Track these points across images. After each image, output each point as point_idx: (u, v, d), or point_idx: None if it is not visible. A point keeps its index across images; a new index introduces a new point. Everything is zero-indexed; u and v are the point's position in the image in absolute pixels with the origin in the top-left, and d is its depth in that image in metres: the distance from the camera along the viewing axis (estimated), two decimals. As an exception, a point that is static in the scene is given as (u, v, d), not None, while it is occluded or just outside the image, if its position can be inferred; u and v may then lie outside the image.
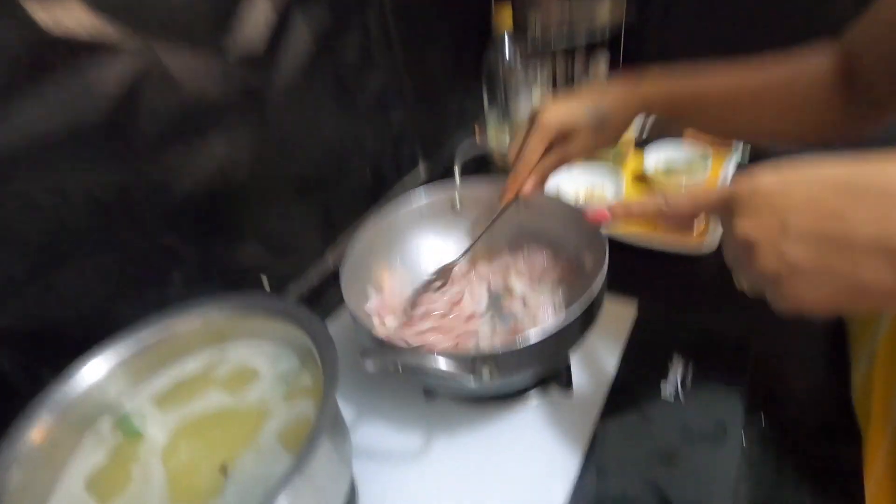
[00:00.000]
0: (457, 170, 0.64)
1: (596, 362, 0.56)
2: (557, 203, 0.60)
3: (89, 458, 0.40)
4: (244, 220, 0.64)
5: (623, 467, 0.47)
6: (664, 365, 0.55)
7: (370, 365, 0.41)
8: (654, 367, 0.55)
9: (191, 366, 0.46)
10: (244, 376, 0.45)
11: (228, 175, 0.60)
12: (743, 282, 0.33)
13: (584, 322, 0.47)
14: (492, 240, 0.63)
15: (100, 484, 0.38)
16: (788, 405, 0.52)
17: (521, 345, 0.42)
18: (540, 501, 0.45)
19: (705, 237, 0.71)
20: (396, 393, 0.56)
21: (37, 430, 0.37)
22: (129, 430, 0.41)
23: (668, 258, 0.70)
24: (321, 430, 0.33)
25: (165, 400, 0.44)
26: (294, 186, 0.71)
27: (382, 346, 0.45)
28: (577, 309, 0.44)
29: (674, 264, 0.70)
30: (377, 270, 0.61)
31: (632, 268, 0.64)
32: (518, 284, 0.61)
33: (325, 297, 0.73)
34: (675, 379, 0.53)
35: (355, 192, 0.83)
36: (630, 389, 0.53)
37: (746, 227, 0.30)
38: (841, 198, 0.27)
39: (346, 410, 0.55)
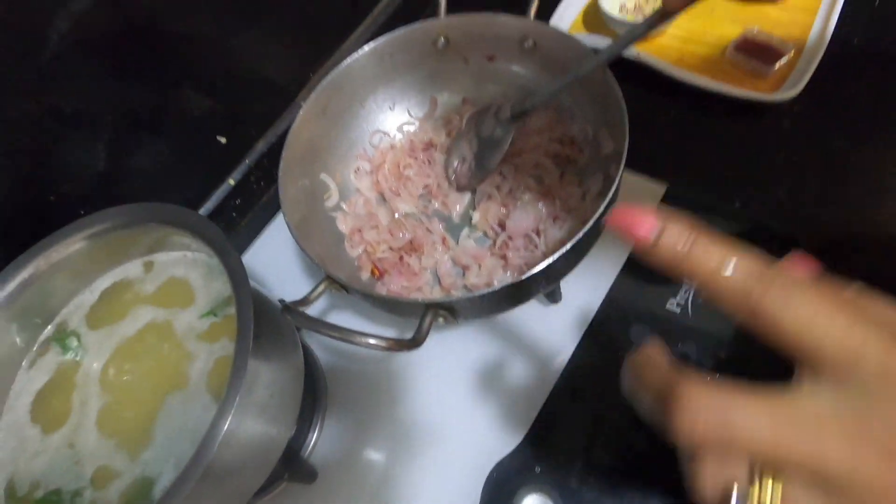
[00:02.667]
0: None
1: (600, 260, 0.47)
2: (576, 47, 0.43)
3: (33, 380, 0.39)
4: (187, 53, 0.51)
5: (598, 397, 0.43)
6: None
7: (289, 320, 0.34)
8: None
9: (124, 274, 0.42)
10: (176, 293, 0.40)
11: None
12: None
13: (577, 255, 0.37)
14: (478, 101, 0.48)
15: (43, 412, 0.38)
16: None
17: (497, 286, 0.33)
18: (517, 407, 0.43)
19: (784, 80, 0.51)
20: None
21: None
22: (65, 354, 0.39)
23: (721, 104, 0.52)
24: (237, 380, 0.29)
25: (98, 321, 0.40)
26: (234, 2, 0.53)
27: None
28: (570, 249, 0.34)
29: (727, 117, 0.53)
30: (334, 155, 0.49)
31: (664, 118, 0.49)
32: (506, 183, 0.48)
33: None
34: (689, 289, 0.44)
35: (326, 6, 0.63)
36: (629, 300, 0.45)
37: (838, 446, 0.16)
38: None
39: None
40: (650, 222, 0.18)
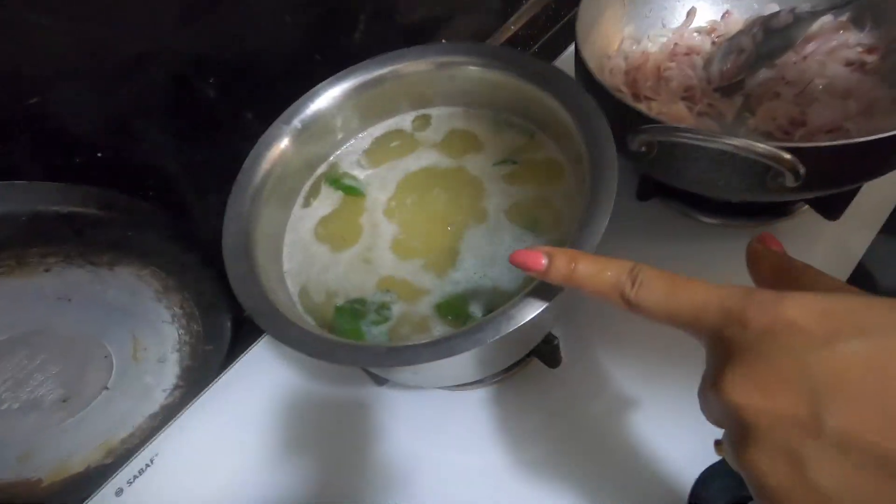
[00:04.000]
0: None
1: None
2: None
3: (316, 209, 0.39)
4: None
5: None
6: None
7: (634, 143, 0.32)
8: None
9: (405, 123, 0.42)
10: (461, 141, 0.39)
11: None
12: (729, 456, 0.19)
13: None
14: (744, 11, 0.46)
15: (330, 234, 0.37)
16: None
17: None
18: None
19: None
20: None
21: (268, 163, 0.36)
22: (348, 187, 0.39)
23: None
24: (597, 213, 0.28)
25: (377, 159, 0.40)
26: None
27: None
28: None
29: None
30: (604, 32, 0.48)
31: None
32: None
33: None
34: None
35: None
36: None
37: (750, 396, 0.17)
38: None
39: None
40: (539, 257, 0.23)
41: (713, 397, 0.18)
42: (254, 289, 0.30)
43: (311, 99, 0.38)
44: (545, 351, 0.39)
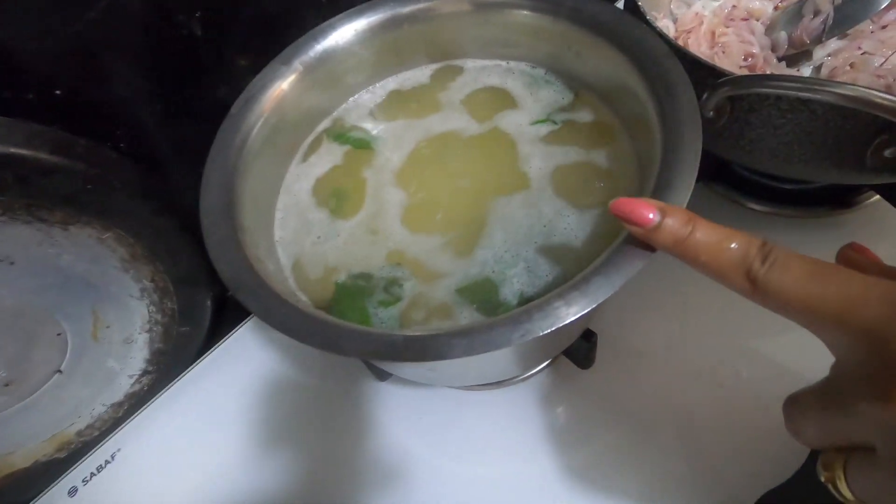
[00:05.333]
0: None
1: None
2: None
3: (315, 166, 0.33)
4: None
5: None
6: None
7: (709, 104, 0.27)
8: None
9: (427, 76, 0.35)
10: (494, 99, 0.33)
11: None
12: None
13: None
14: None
15: (330, 196, 0.31)
16: None
17: None
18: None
19: None
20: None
21: (262, 108, 0.30)
22: (357, 139, 0.33)
23: None
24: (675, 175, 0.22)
25: (391, 112, 0.34)
26: None
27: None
28: None
29: None
30: None
31: None
32: None
33: None
34: None
35: None
36: None
37: None
38: None
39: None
40: (649, 209, 0.19)
41: (872, 410, 0.14)
42: (236, 256, 0.24)
43: (318, 38, 0.32)
44: (581, 349, 0.33)
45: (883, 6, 0.37)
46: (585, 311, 0.19)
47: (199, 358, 0.40)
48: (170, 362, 0.39)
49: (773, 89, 0.25)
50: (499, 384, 0.35)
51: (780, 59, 0.40)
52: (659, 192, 0.22)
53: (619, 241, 0.21)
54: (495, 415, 0.35)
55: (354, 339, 0.21)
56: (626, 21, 0.28)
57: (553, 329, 0.19)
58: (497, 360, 0.26)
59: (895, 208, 0.37)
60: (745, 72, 0.40)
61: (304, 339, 0.21)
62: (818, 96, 0.24)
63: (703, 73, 0.29)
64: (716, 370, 0.34)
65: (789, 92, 0.25)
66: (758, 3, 0.43)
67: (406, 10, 0.32)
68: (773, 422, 0.23)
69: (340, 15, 0.33)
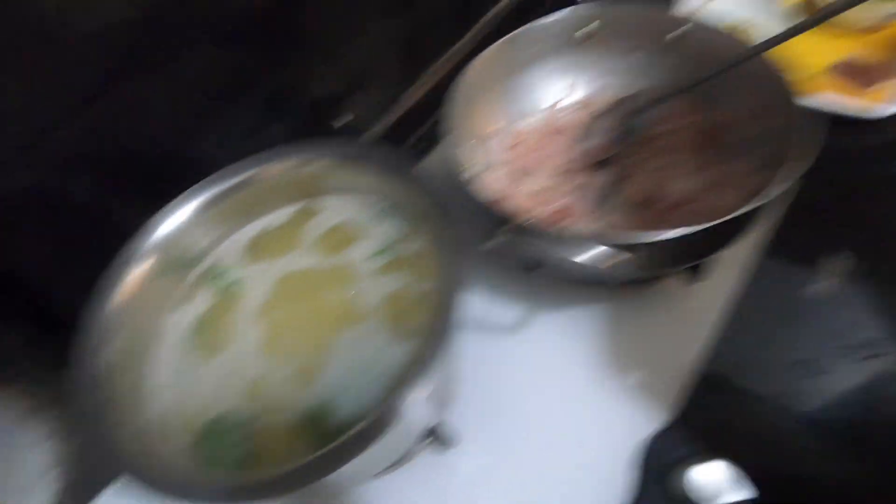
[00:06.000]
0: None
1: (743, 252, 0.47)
2: (725, 41, 0.45)
3: (188, 311, 0.38)
4: (314, 38, 0.53)
5: (752, 374, 0.42)
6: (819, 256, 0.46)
7: (488, 244, 0.34)
8: (806, 259, 0.46)
9: (282, 219, 0.41)
10: (341, 236, 0.39)
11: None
12: None
13: (731, 231, 0.37)
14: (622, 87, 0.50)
15: (203, 339, 0.36)
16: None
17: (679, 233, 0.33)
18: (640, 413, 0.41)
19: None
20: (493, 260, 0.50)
21: (133, 278, 0.35)
22: (223, 285, 0.38)
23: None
24: (447, 309, 0.28)
25: (256, 256, 0.40)
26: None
27: (501, 222, 0.37)
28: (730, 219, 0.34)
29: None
30: (483, 113, 0.50)
31: None
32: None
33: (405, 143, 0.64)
34: (830, 273, 0.45)
35: (446, 11, 0.67)
36: (772, 284, 0.45)
37: None
38: None
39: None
40: None
41: None
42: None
43: (165, 217, 0.37)
44: (435, 436, 0.38)
45: (655, 119, 0.47)
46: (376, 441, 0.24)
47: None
48: None
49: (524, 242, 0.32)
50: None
51: (591, 165, 0.49)
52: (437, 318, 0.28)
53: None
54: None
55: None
56: (410, 179, 0.35)
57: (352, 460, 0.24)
58: (338, 478, 0.31)
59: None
60: (561, 180, 0.48)
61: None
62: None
63: (488, 218, 0.36)
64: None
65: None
66: (573, 115, 0.52)
67: (241, 177, 0.39)
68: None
69: (183, 194, 0.38)
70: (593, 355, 0.44)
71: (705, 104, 0.48)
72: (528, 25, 0.50)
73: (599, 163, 0.48)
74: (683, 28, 0.47)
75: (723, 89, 0.47)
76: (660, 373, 0.42)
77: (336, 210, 0.41)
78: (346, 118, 0.59)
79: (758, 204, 0.34)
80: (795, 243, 0.47)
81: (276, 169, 0.40)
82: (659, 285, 0.46)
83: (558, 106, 0.53)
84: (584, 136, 0.49)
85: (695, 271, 0.44)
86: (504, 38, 0.49)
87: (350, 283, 0.37)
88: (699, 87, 0.46)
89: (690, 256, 0.38)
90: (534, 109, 0.53)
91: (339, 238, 0.39)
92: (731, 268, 0.46)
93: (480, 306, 0.48)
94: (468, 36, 0.70)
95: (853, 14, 0.61)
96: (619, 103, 0.48)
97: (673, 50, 0.48)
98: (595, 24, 0.49)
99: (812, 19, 0.39)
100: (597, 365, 0.44)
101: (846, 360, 0.41)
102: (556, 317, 0.46)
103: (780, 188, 0.35)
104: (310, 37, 0.52)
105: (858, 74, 0.59)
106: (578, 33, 0.51)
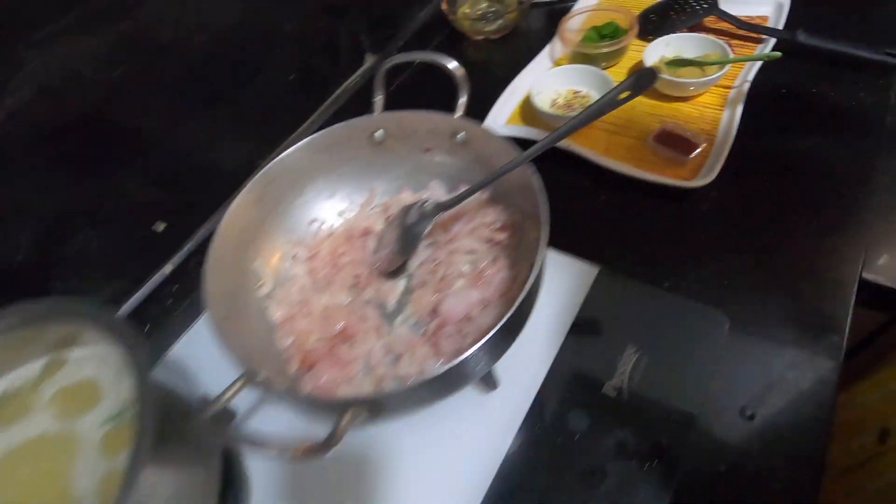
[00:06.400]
0: (379, 81, 0.48)
1: (536, 345, 0.47)
2: (501, 144, 0.45)
3: None
4: (123, 143, 0.51)
5: (539, 489, 0.40)
6: (615, 354, 0.45)
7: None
8: (601, 357, 0.45)
9: (19, 380, 0.38)
10: (79, 395, 0.37)
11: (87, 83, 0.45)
12: None
13: (506, 340, 0.37)
14: (416, 188, 0.49)
15: None
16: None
17: (425, 377, 0.33)
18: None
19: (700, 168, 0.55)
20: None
21: None
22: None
23: (645, 190, 0.56)
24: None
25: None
26: (185, 94, 0.55)
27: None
28: (497, 333, 0.33)
29: (652, 202, 0.56)
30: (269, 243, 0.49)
31: (595, 203, 0.52)
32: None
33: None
34: (624, 372, 0.44)
35: (278, 99, 0.66)
36: (567, 385, 0.45)
37: None
38: None
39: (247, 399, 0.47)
40: None
41: None
42: None
43: None
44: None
45: (425, 232, 0.45)
46: None
47: None
48: None
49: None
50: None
51: (383, 275, 0.48)
52: None
53: None
54: None
55: None
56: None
57: None
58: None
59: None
60: (353, 294, 0.47)
61: None
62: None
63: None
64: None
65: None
66: (369, 221, 0.51)
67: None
68: None
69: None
70: (393, 476, 0.42)
71: (493, 206, 0.48)
72: (323, 131, 0.49)
73: (391, 273, 0.47)
74: (465, 132, 0.47)
75: (507, 191, 0.46)
76: (459, 486, 0.40)
77: (79, 362, 0.38)
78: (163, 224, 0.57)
79: (508, 318, 0.33)
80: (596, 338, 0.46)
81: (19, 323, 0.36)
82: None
83: (360, 210, 0.51)
84: (377, 245, 0.48)
85: (487, 382, 0.43)
86: (296, 145, 0.48)
87: (69, 458, 0.34)
88: (490, 188, 0.46)
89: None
90: (333, 215, 0.52)
91: (76, 395, 0.37)
92: (526, 373, 0.45)
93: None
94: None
95: (665, 84, 0.63)
96: (405, 210, 0.47)
97: (463, 151, 0.48)
98: (380, 132, 0.49)
99: (565, 127, 0.39)
100: (394, 487, 0.41)
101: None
102: (356, 436, 0.44)
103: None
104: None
105: (677, 143, 0.60)
106: (374, 136, 0.50)
